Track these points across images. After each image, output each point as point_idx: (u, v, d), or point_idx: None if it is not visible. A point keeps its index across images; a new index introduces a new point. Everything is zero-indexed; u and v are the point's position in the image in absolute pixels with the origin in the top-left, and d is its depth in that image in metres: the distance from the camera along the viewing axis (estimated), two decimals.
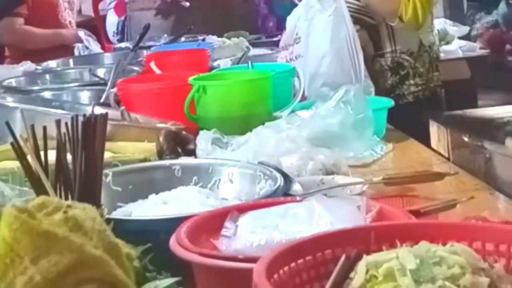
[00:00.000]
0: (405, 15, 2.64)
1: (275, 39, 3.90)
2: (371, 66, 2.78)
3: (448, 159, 1.97)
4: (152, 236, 1.21)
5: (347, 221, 1.19)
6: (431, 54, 2.86)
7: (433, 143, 2.10)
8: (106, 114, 1.31)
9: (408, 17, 2.65)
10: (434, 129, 2.10)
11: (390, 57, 2.81)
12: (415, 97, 2.77)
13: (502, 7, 5.24)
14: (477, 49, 4.17)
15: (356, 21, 2.67)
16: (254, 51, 3.36)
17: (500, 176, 1.79)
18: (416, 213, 1.35)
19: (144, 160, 1.75)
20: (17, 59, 3.63)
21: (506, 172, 1.77)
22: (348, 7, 2.60)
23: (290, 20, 2.71)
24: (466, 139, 1.85)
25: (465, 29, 4.65)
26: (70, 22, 4.25)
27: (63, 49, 3.90)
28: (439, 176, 1.66)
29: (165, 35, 4.00)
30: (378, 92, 2.53)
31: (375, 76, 2.73)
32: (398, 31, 2.77)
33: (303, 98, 2.34)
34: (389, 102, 2.18)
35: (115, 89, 2.32)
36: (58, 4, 4.03)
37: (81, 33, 3.91)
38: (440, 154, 2.03)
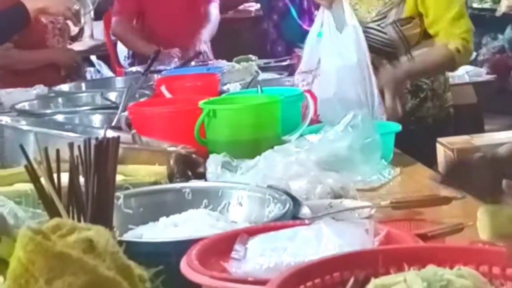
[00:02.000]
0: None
1: (284, 63, 3.93)
2: None
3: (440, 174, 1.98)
4: (163, 258, 1.23)
5: (355, 245, 1.21)
6: (445, 75, 2.89)
7: (440, 167, 2.11)
8: (118, 137, 1.32)
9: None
10: (441, 153, 2.11)
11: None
12: (433, 119, 2.79)
13: (508, 33, 5.26)
14: (483, 74, 4.18)
15: (375, 50, 2.69)
16: (263, 76, 3.38)
17: None
18: (424, 237, 1.36)
19: (155, 183, 1.77)
20: (5, 82, 3.64)
21: None
22: (368, 37, 2.63)
23: (308, 44, 2.73)
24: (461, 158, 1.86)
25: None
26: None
27: (52, 69, 3.90)
28: (446, 200, 1.67)
29: (176, 60, 4.02)
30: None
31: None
32: (414, 53, 2.76)
33: (315, 120, 2.35)
34: (397, 127, 2.20)
35: (126, 113, 2.33)
36: (47, 31, 4.02)
37: (93, 58, 3.94)
38: None
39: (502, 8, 5.11)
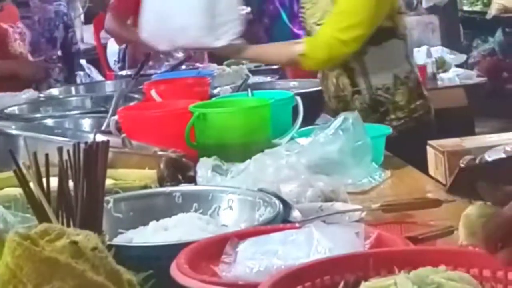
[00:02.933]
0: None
1: (274, 67, 3.93)
2: (352, 104, 2.80)
3: (445, 186, 1.99)
4: (153, 262, 1.23)
5: (346, 248, 1.21)
6: (409, 84, 2.81)
7: (431, 170, 2.11)
8: (108, 141, 1.32)
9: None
10: (431, 156, 2.12)
11: (367, 94, 2.80)
12: (398, 131, 2.66)
13: (499, 35, 5.29)
14: (474, 76, 4.20)
15: None
16: (253, 79, 3.38)
17: None
18: (414, 240, 1.36)
19: (145, 187, 1.77)
20: None
21: None
22: None
23: None
24: (462, 166, 1.86)
25: (462, 57, 4.68)
26: (21, 53, 4.23)
27: (14, 80, 3.87)
28: (437, 203, 1.67)
29: (166, 63, 4.02)
30: None
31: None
32: (369, 66, 2.77)
33: None
34: (387, 129, 2.20)
35: (116, 117, 2.33)
36: (7, 35, 4.01)
37: (83, 61, 3.93)
38: (437, 181, 2.04)
39: (492, 11, 5.13)
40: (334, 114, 2.29)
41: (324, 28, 2.74)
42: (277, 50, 2.95)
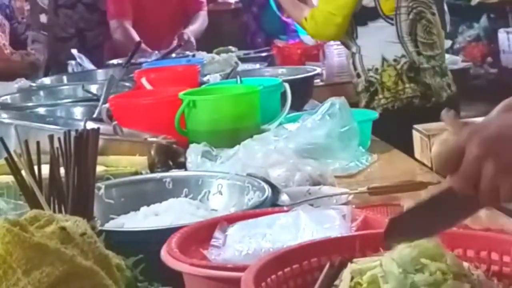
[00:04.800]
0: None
1: (263, 54, 3.95)
2: (355, 88, 3.01)
3: (431, 169, 2.01)
4: (143, 246, 1.24)
5: (333, 230, 1.22)
6: (397, 67, 2.92)
7: (417, 154, 2.13)
8: (98, 129, 1.34)
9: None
10: (417, 139, 2.14)
11: (363, 76, 2.97)
12: (384, 109, 2.88)
13: (483, 21, 5.31)
14: (459, 62, 4.21)
15: None
16: (243, 66, 3.39)
17: None
18: None
19: (136, 173, 1.79)
20: None
21: None
22: None
23: None
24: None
25: (447, 43, 4.70)
26: (4, 44, 4.23)
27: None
28: (423, 185, 1.69)
29: (156, 52, 4.03)
30: None
31: (359, 96, 2.98)
32: (362, 49, 2.95)
33: None
34: (374, 114, 2.22)
35: (107, 105, 2.34)
36: None
37: (74, 51, 3.93)
38: (423, 164, 2.07)
39: None
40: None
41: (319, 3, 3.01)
42: (296, 8, 3.14)
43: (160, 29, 4.30)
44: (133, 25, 4.37)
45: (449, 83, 3.02)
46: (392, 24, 2.92)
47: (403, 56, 2.92)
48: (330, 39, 3.14)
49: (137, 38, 4.19)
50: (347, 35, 2.98)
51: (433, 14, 3.00)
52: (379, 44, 2.92)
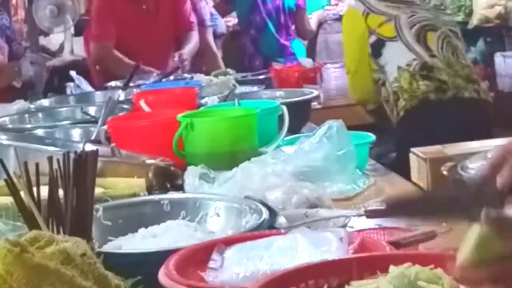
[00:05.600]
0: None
1: (261, 77, 3.96)
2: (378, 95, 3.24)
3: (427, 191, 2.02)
4: (141, 268, 1.25)
5: (330, 253, 1.23)
6: (410, 69, 3.15)
7: (413, 177, 2.14)
8: (97, 150, 1.34)
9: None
10: (414, 163, 2.15)
11: (390, 91, 3.17)
12: (405, 111, 3.14)
13: (480, 45, 5.34)
14: None
15: None
16: (240, 89, 3.41)
17: None
18: (397, 245, 1.39)
19: (134, 195, 1.79)
20: None
21: None
22: None
23: None
24: (445, 172, 1.89)
25: None
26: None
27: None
28: None
29: (155, 74, 4.04)
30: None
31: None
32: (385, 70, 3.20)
33: None
34: (371, 137, 2.23)
35: (105, 127, 2.35)
36: None
37: (73, 73, 3.94)
38: (420, 187, 2.07)
39: (474, 21, 5.18)
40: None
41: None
42: None
43: (151, 50, 4.29)
44: (123, 47, 4.34)
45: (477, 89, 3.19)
46: (398, 40, 3.20)
47: (414, 59, 3.16)
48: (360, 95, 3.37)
49: (126, 60, 4.20)
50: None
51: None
52: (394, 59, 3.18)
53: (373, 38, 3.25)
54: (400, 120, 3.13)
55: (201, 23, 4.86)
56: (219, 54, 5.13)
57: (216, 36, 5.03)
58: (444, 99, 3.11)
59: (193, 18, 4.58)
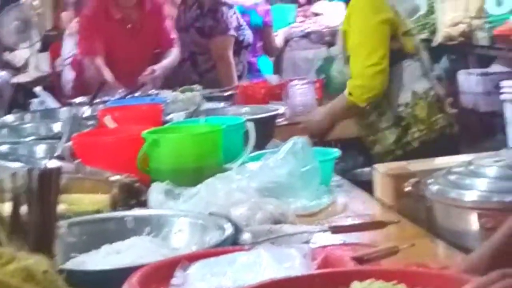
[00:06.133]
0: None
1: (227, 93, 3.97)
2: (377, 124, 3.08)
3: (392, 207, 2.04)
4: (104, 286, 1.25)
5: (294, 269, 1.24)
6: (428, 99, 3.06)
7: (378, 192, 2.16)
8: (60, 167, 1.34)
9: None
10: (377, 178, 2.17)
11: (390, 113, 3.06)
12: (421, 142, 3.01)
13: (444, 62, 5.40)
14: None
15: None
16: (206, 105, 3.41)
17: (440, 224, 1.85)
18: (360, 260, 1.40)
19: (98, 211, 1.79)
20: None
21: (446, 221, 1.84)
22: None
23: None
24: (408, 188, 1.92)
25: None
26: None
27: None
28: (382, 224, 1.72)
29: (120, 90, 4.03)
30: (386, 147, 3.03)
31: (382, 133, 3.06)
32: (390, 87, 3.03)
33: None
34: (335, 153, 2.25)
35: (70, 143, 2.34)
36: None
37: (38, 89, 3.92)
38: (383, 203, 2.09)
39: (438, 39, 5.24)
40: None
41: (353, 65, 3.05)
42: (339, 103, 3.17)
43: (132, 65, 4.30)
44: (105, 61, 4.37)
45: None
46: (420, 61, 3.10)
47: (431, 88, 3.08)
48: (382, 88, 3.02)
49: (108, 75, 4.20)
50: None
51: None
52: (409, 80, 3.05)
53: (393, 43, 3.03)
54: (411, 150, 2.98)
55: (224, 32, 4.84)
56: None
57: (243, 46, 4.97)
58: (454, 132, 3.10)
59: (173, 34, 4.60)
